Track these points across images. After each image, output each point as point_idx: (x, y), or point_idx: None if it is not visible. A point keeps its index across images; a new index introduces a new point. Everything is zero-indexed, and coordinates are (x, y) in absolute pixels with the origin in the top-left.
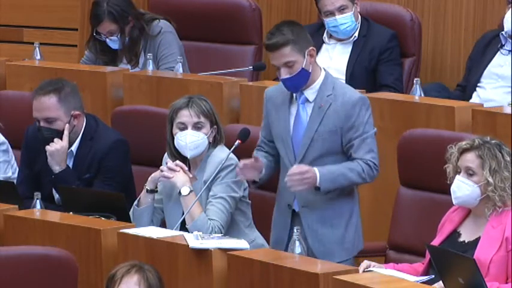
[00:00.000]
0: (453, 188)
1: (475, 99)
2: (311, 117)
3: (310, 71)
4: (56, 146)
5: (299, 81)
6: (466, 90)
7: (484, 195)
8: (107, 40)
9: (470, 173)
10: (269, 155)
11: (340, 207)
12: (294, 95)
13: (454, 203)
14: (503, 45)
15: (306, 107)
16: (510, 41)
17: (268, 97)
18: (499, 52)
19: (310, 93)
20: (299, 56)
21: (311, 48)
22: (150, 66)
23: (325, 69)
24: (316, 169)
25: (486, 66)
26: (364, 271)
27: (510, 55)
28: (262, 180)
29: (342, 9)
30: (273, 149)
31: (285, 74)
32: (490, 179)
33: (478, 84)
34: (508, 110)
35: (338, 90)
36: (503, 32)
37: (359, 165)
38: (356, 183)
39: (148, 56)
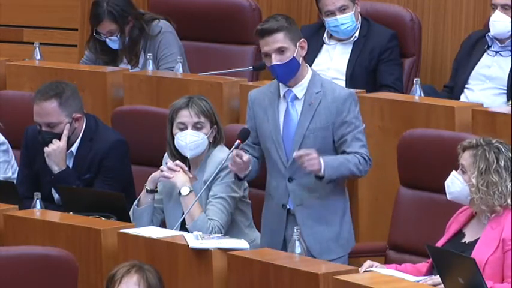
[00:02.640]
0: (447, 183)
1: (463, 100)
2: (302, 114)
3: (300, 62)
4: (53, 146)
5: (289, 70)
6: (453, 91)
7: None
8: (107, 40)
9: (463, 171)
10: (253, 157)
11: (334, 204)
12: (282, 94)
13: (447, 197)
14: (490, 47)
15: (295, 104)
16: (498, 43)
17: (253, 99)
18: (485, 53)
19: (299, 90)
20: (291, 45)
21: (302, 40)
22: (150, 66)
23: (311, 68)
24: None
25: (473, 67)
26: (365, 271)
27: (498, 56)
28: (246, 179)
29: (342, 9)
30: (257, 151)
31: (276, 60)
32: (474, 180)
33: (466, 86)
34: (508, 110)
35: (326, 87)
36: (489, 34)
37: (356, 158)
38: (354, 175)
39: (148, 56)
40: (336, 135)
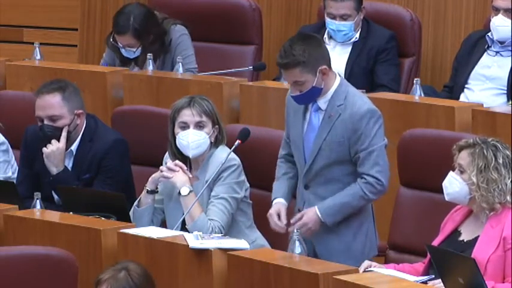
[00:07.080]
0: (445, 184)
1: (462, 100)
2: (321, 125)
3: (321, 87)
4: (52, 147)
5: (309, 97)
6: (453, 91)
7: (472, 194)
8: (123, 50)
9: (461, 171)
10: (293, 164)
11: (349, 217)
12: None
13: (446, 198)
14: (490, 47)
15: (318, 114)
16: (498, 43)
17: (289, 99)
18: (486, 53)
19: (323, 102)
20: (309, 76)
21: (324, 67)
22: (150, 66)
23: (340, 76)
24: (316, 209)
25: (473, 67)
26: (364, 271)
27: (498, 56)
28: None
29: (344, 18)
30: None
31: (294, 91)
32: (474, 178)
33: (466, 86)
34: (508, 110)
35: (349, 100)
36: (489, 34)
37: (360, 189)
38: (363, 206)
39: (148, 56)
40: (352, 150)
